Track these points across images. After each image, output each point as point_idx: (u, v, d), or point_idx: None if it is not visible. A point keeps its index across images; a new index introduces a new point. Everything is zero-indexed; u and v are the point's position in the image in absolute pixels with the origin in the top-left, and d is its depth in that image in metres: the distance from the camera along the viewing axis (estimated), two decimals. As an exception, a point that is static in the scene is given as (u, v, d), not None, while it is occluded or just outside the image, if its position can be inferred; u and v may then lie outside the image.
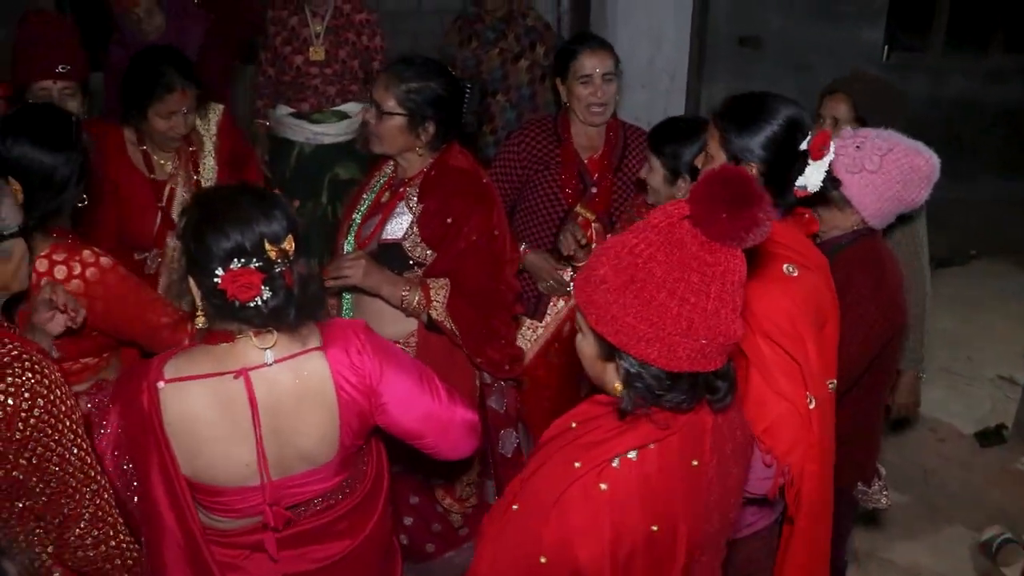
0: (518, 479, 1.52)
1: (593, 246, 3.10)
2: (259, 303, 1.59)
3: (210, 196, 1.74)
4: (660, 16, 4.08)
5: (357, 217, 2.65)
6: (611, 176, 3.07)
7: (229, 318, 1.64)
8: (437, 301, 2.45)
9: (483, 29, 4.20)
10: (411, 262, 2.51)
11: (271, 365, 1.67)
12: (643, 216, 2.75)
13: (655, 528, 1.39)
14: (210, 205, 1.64)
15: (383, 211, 2.57)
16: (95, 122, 2.92)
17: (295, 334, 1.69)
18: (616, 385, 1.41)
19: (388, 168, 2.70)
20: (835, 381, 2.05)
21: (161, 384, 1.66)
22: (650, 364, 1.35)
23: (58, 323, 1.99)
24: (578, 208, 3.06)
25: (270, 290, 1.59)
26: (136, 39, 3.65)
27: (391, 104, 2.46)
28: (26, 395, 1.59)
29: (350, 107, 4.07)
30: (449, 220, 2.46)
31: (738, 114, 2.03)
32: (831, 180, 2.03)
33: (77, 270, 2.08)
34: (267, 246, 1.59)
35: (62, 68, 2.75)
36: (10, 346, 1.63)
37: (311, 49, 3.97)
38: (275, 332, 1.67)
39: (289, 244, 1.61)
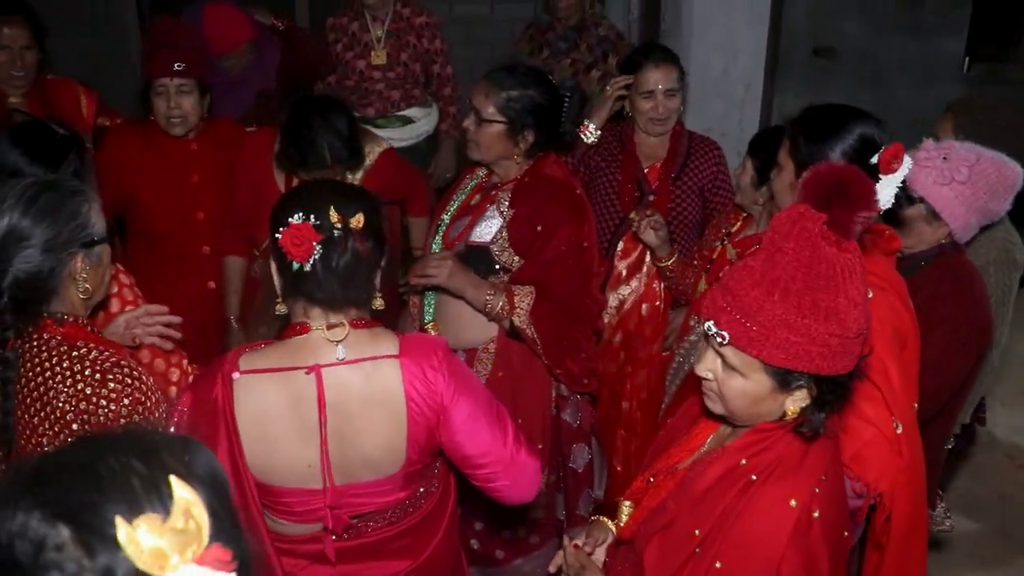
0: (673, 536, 1.50)
1: (647, 258, 3.07)
2: (313, 267, 1.61)
3: (308, 186, 1.84)
4: (735, 26, 4.03)
5: (446, 218, 2.68)
6: (669, 185, 3.07)
7: (294, 293, 1.67)
8: (521, 308, 2.45)
9: (554, 39, 4.18)
10: (497, 267, 2.52)
11: (343, 363, 1.68)
12: (733, 221, 2.86)
13: (847, 534, 1.47)
14: (300, 186, 1.70)
15: (473, 213, 2.59)
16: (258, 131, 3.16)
17: (370, 337, 1.70)
18: (792, 408, 1.43)
19: (481, 171, 2.72)
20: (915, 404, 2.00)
21: (236, 375, 1.67)
22: (829, 375, 1.36)
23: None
24: (633, 215, 3.03)
25: (323, 253, 1.60)
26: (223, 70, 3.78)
27: (491, 111, 2.49)
28: (126, 401, 1.64)
29: (414, 112, 4.11)
30: (539, 228, 2.46)
31: (812, 125, 2.02)
32: (906, 195, 1.98)
33: None
34: (332, 211, 1.62)
35: (178, 66, 2.91)
36: (107, 352, 1.68)
37: (373, 53, 4.02)
38: (346, 326, 1.68)
39: (357, 221, 1.64)
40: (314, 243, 1.60)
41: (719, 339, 1.40)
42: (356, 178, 3.04)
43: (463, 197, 2.70)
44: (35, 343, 1.68)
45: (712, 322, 1.41)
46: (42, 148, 2.14)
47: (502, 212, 2.53)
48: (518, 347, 2.53)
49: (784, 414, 1.45)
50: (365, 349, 1.70)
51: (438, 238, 2.66)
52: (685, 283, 2.92)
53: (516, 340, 2.51)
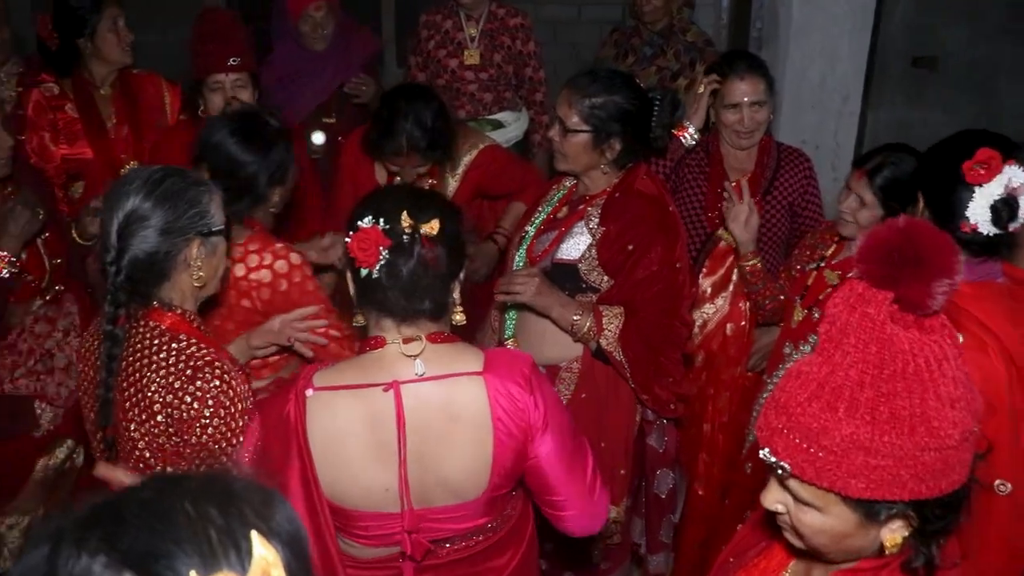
0: None
1: (734, 276, 2.97)
2: (380, 274, 1.55)
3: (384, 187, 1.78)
4: (836, 32, 3.83)
5: (530, 230, 2.58)
6: (758, 200, 2.93)
7: (366, 303, 1.62)
8: (609, 330, 2.34)
9: (640, 44, 4.05)
10: (584, 285, 2.41)
11: (422, 379, 1.60)
12: (827, 242, 2.70)
13: None
14: (378, 189, 1.69)
15: (559, 228, 2.49)
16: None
17: (452, 352, 1.63)
18: (891, 541, 1.13)
19: (567, 181, 2.62)
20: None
21: (310, 392, 1.61)
22: (930, 497, 1.07)
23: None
24: (720, 232, 2.94)
25: (390, 259, 1.55)
26: (303, 46, 3.71)
27: (575, 120, 2.39)
28: (210, 403, 1.65)
29: (505, 116, 4.00)
30: (630, 247, 2.35)
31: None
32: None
33: (268, 260, 2.21)
34: (403, 216, 1.55)
35: (233, 61, 2.84)
36: (205, 350, 1.70)
37: (466, 53, 3.93)
38: (422, 339, 1.61)
39: (431, 228, 1.56)
40: (381, 248, 1.53)
41: (780, 471, 1.13)
42: (456, 173, 2.99)
43: (549, 209, 2.60)
44: (141, 328, 1.72)
45: (768, 449, 1.13)
46: (254, 135, 2.24)
47: (591, 229, 2.43)
48: (603, 369, 2.42)
49: (883, 548, 1.15)
50: (446, 364, 1.62)
51: (522, 251, 2.57)
52: (767, 297, 2.79)
53: (602, 361, 2.41)
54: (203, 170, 2.16)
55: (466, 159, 3.03)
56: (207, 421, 1.64)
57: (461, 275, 1.68)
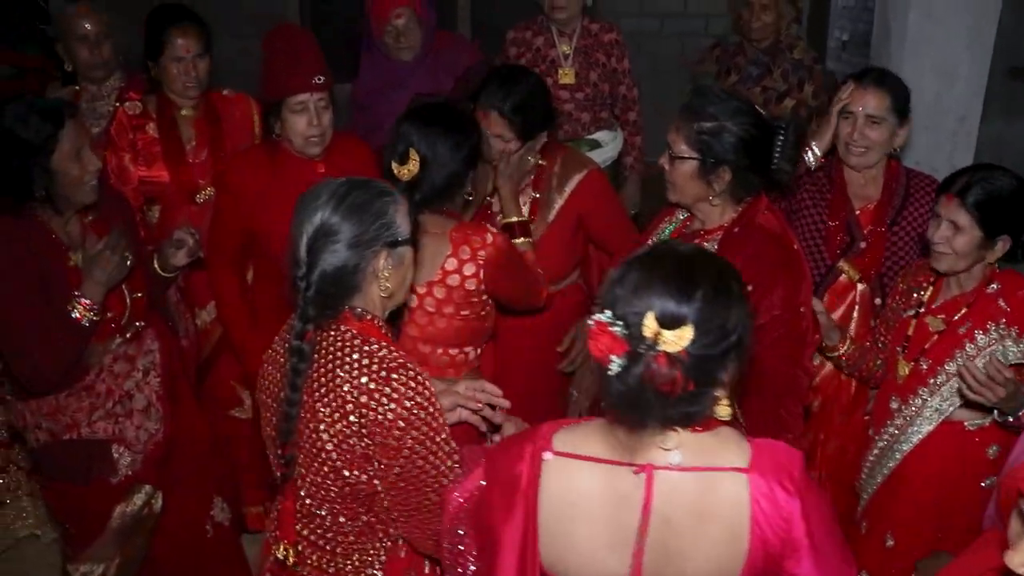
0: None
1: (855, 315, 2.78)
2: (610, 374, 1.35)
3: (660, 249, 1.51)
4: (954, 47, 3.56)
5: None
6: (884, 230, 2.71)
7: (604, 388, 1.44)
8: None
9: (745, 63, 3.79)
10: None
11: (678, 469, 1.42)
12: (924, 284, 2.43)
13: None
14: (654, 253, 1.45)
15: None
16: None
17: (715, 442, 1.44)
18: None
19: (680, 213, 2.42)
20: None
21: (548, 455, 1.46)
22: None
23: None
24: (841, 264, 2.74)
25: (621, 368, 1.34)
26: (388, 59, 3.61)
27: (681, 147, 2.19)
28: (407, 404, 1.65)
29: (603, 135, 3.80)
30: (749, 288, 2.14)
31: None
32: None
33: (477, 243, 2.29)
34: (647, 318, 1.33)
35: (318, 80, 2.68)
36: (396, 354, 1.71)
37: (560, 71, 3.74)
38: (678, 431, 1.41)
39: (679, 337, 1.33)
40: (612, 352, 1.34)
41: None
42: (564, 192, 2.80)
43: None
44: (332, 333, 1.73)
45: None
46: (455, 123, 2.33)
47: None
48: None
49: None
50: (707, 456, 1.43)
51: None
52: (871, 369, 2.59)
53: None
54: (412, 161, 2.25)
55: (574, 179, 2.82)
56: (406, 423, 1.64)
57: (723, 375, 1.41)
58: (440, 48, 3.68)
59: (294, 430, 1.73)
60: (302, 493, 1.78)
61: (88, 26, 3.27)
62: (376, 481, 1.70)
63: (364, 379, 1.66)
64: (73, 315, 2.31)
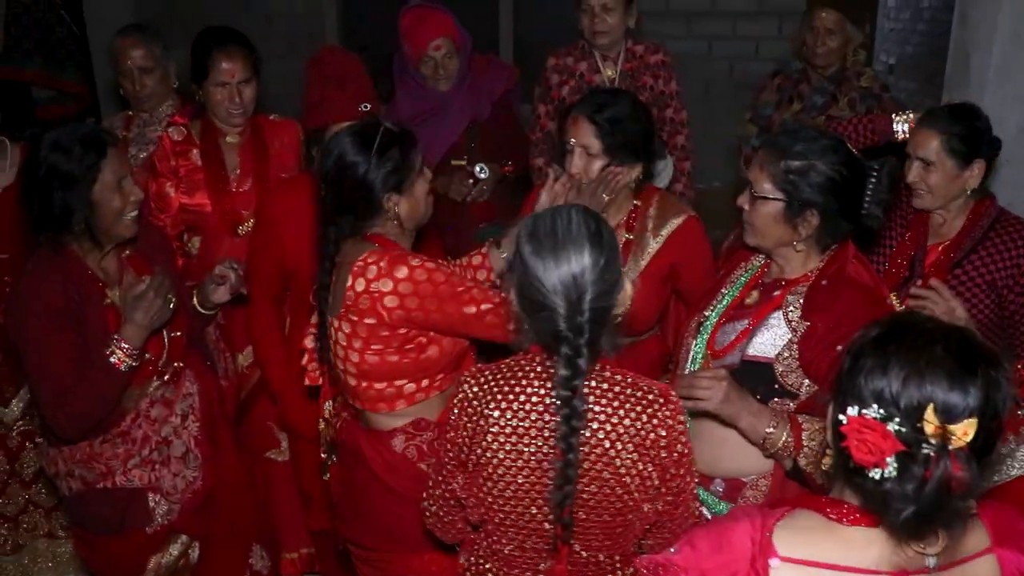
0: None
1: None
2: (878, 477, 1.20)
3: (909, 324, 1.31)
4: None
5: (712, 316, 2.20)
6: (946, 273, 2.51)
7: (845, 479, 1.31)
8: (811, 447, 1.94)
9: (809, 91, 3.61)
10: (779, 389, 2.03)
11: (933, 571, 1.28)
12: None
13: None
14: (904, 333, 1.27)
15: (752, 317, 2.11)
16: None
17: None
18: None
19: (757, 259, 2.24)
20: None
21: (775, 563, 1.31)
22: None
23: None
24: (892, 298, 2.52)
25: (898, 470, 1.19)
26: (424, 88, 3.49)
27: (766, 186, 2.03)
28: (677, 427, 1.69)
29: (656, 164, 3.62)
30: (839, 348, 1.93)
31: None
32: None
33: (372, 274, 2.07)
34: (929, 413, 1.18)
35: (364, 107, 2.56)
36: (633, 376, 1.73)
37: None
38: (941, 534, 1.26)
39: (964, 431, 1.18)
40: (889, 454, 1.19)
41: None
42: (660, 236, 2.60)
43: (735, 293, 2.22)
44: (594, 379, 1.70)
45: None
46: (368, 137, 2.11)
47: (791, 322, 2.04)
48: (797, 489, 2.01)
49: None
50: (957, 548, 1.30)
51: (701, 342, 2.19)
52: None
53: (798, 483, 2.00)
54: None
55: (672, 224, 2.61)
56: (681, 449, 1.70)
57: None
58: (477, 73, 3.55)
59: (574, 493, 1.66)
60: (576, 547, 1.76)
61: (131, 60, 3.23)
62: (658, 504, 1.74)
63: (646, 415, 1.67)
64: (112, 360, 2.19)
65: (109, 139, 2.28)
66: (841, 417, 1.24)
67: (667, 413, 1.68)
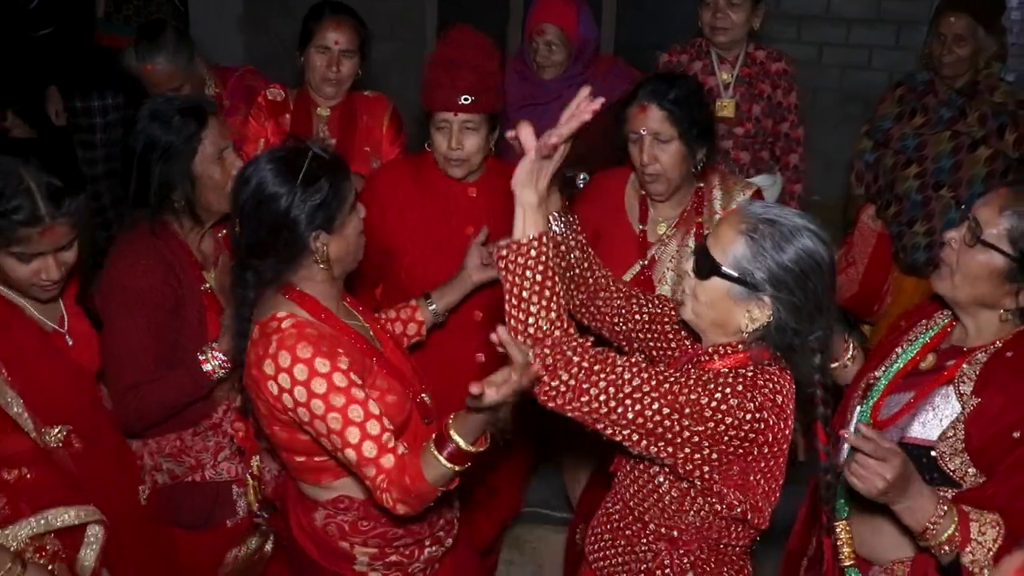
0: None
1: None
2: None
3: None
4: None
5: (882, 380, 1.94)
6: None
7: None
8: (981, 542, 1.70)
9: (935, 104, 3.35)
10: (936, 476, 1.80)
11: None
12: None
13: None
14: None
15: (919, 387, 1.86)
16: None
17: None
18: None
19: (941, 318, 1.98)
20: None
21: None
22: None
23: None
24: None
25: None
26: (533, 76, 3.43)
27: (993, 232, 1.76)
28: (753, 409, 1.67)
29: (762, 180, 3.34)
30: (1017, 435, 1.73)
31: None
32: None
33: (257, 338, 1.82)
34: None
35: (465, 99, 2.34)
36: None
37: (719, 103, 3.30)
38: None
39: None
40: None
41: None
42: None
43: (911, 354, 1.95)
44: None
45: None
46: (292, 166, 1.81)
47: (962, 395, 1.80)
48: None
49: None
50: None
51: (867, 407, 1.93)
52: None
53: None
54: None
55: (739, 199, 2.58)
56: (753, 422, 1.70)
57: None
58: (596, 72, 3.40)
59: None
60: None
61: (158, 88, 3.11)
62: None
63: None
64: (205, 368, 2.11)
65: (210, 107, 2.19)
66: None
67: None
